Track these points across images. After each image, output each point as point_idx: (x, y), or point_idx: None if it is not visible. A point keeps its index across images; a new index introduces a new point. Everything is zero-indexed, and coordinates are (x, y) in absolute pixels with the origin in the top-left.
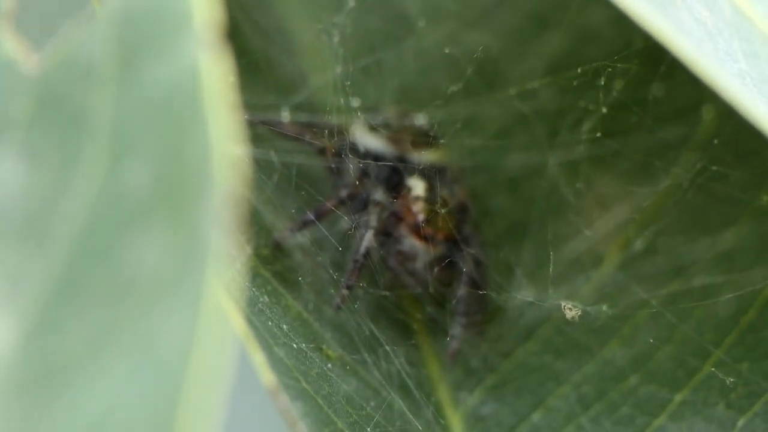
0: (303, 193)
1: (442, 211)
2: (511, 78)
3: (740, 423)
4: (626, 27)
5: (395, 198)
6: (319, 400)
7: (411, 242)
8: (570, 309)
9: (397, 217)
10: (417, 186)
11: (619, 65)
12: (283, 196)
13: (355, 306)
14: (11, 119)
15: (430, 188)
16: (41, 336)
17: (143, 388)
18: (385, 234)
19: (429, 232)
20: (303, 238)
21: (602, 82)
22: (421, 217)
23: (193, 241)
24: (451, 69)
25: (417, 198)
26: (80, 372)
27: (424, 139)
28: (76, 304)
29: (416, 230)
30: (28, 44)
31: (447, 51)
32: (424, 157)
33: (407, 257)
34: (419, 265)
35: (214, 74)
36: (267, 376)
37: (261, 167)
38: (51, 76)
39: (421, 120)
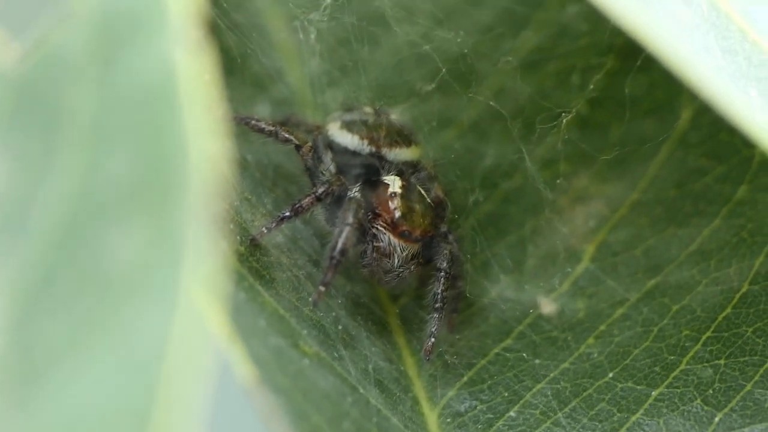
0: (279, 189)
1: (419, 207)
2: (486, 76)
3: (717, 418)
4: (601, 23)
5: (372, 195)
6: (297, 396)
7: (388, 238)
8: (547, 305)
9: (374, 214)
10: (394, 183)
11: (594, 61)
12: (259, 193)
13: (332, 302)
14: None
15: (407, 185)
16: (21, 328)
17: (120, 381)
18: (362, 231)
19: (406, 229)
20: (280, 235)
21: (578, 78)
22: (398, 213)
23: (170, 236)
24: (426, 67)
25: (394, 194)
26: (58, 365)
27: (400, 136)
28: (55, 297)
29: (393, 226)
30: (6, 39)
31: (422, 49)
32: (400, 154)
33: (384, 253)
34: (396, 261)
35: (192, 70)
36: (245, 370)
37: (238, 164)
38: (31, 73)
39: (396, 117)
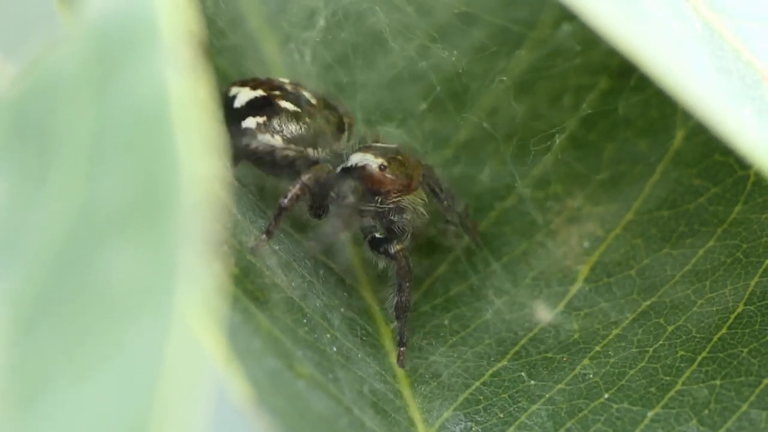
0: (271, 210)
1: (398, 157)
2: (479, 95)
3: None
4: (595, 42)
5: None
6: (292, 417)
7: (409, 203)
8: (543, 311)
9: (379, 195)
10: (365, 159)
11: (587, 80)
12: (253, 215)
13: (327, 324)
14: None
15: (373, 150)
16: (15, 348)
17: (115, 401)
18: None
19: (412, 181)
20: (274, 257)
21: (571, 98)
22: (398, 176)
23: (164, 257)
24: (421, 86)
25: (383, 166)
26: (54, 386)
27: (335, 121)
28: (50, 317)
29: (406, 189)
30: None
31: (417, 67)
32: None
33: (418, 216)
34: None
35: (184, 91)
36: (241, 391)
37: (232, 185)
38: (26, 95)
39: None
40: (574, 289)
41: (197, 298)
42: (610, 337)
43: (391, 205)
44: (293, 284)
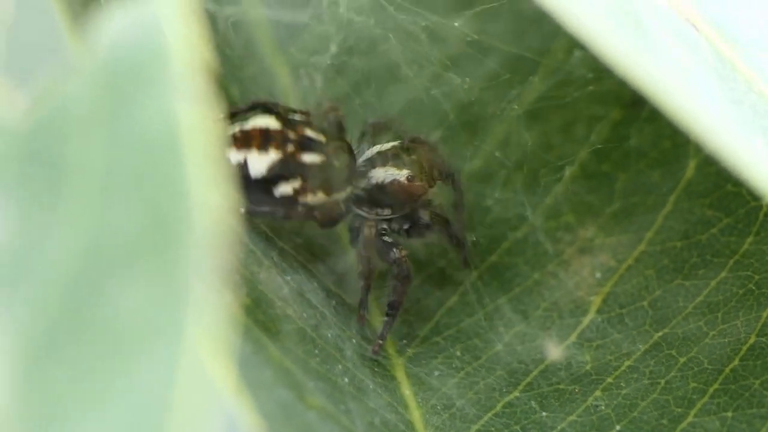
0: (284, 241)
1: (417, 158)
2: (492, 124)
3: None
4: (607, 72)
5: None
6: None
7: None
8: (553, 350)
9: (411, 208)
10: (389, 174)
11: (599, 110)
12: (265, 245)
13: (338, 354)
14: None
15: (391, 157)
16: (24, 382)
17: None
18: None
19: (437, 178)
20: (286, 288)
21: (583, 128)
22: (425, 182)
23: (174, 288)
24: (434, 114)
25: (411, 177)
26: (63, 420)
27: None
28: (59, 350)
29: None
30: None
31: (430, 94)
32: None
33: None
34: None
35: (195, 122)
36: (252, 422)
37: (243, 216)
38: (36, 127)
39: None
40: (586, 320)
41: (208, 329)
42: (622, 368)
43: (420, 206)
44: (305, 315)
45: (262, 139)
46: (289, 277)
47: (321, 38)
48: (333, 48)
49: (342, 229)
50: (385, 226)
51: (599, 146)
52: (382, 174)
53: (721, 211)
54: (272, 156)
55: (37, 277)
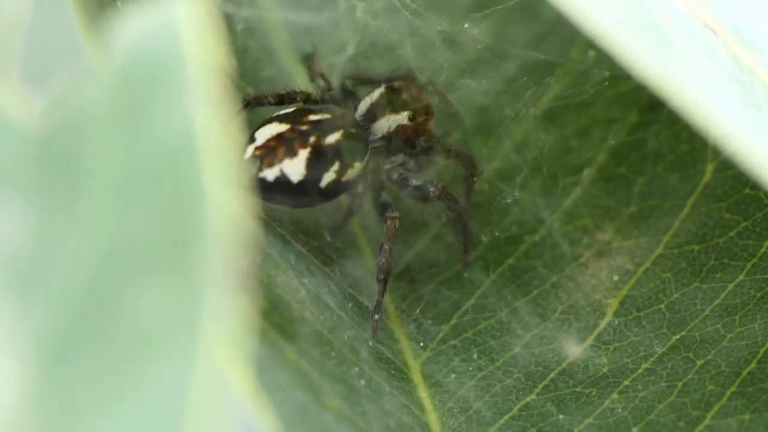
0: (301, 245)
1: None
2: (509, 127)
3: None
4: (624, 74)
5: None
6: None
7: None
8: (573, 348)
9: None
10: (390, 121)
11: (617, 113)
12: (281, 249)
13: (355, 357)
14: (14, 176)
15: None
16: (41, 384)
17: None
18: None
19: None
20: (303, 290)
21: (601, 131)
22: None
23: (190, 292)
24: (449, 117)
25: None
26: (79, 423)
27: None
28: (75, 353)
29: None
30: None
31: (445, 99)
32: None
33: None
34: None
35: (211, 127)
36: (269, 425)
37: (259, 220)
38: (54, 132)
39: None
40: (604, 322)
41: (224, 332)
42: (639, 371)
43: (428, 138)
44: (322, 317)
45: (283, 145)
46: (305, 280)
47: (337, 41)
48: (350, 50)
49: (358, 230)
50: (403, 172)
51: (617, 149)
52: (385, 124)
53: (739, 214)
54: (302, 154)
55: (55, 280)
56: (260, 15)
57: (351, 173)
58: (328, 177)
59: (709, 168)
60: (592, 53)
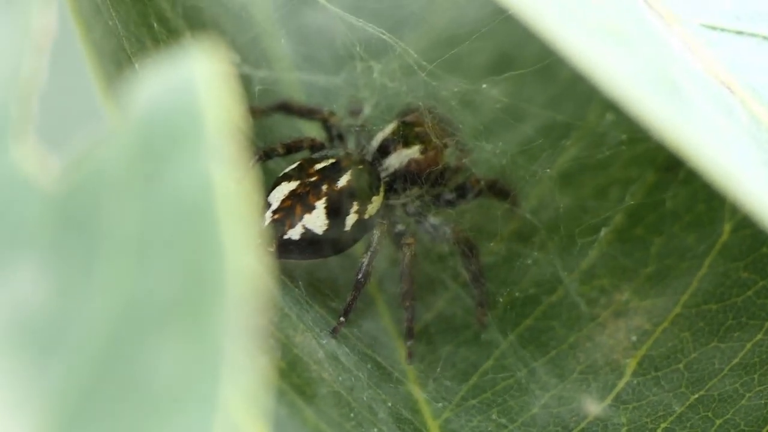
0: (318, 305)
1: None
2: (526, 188)
3: None
4: (641, 134)
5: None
6: None
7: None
8: (592, 405)
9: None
10: (402, 155)
11: (634, 173)
12: (299, 309)
13: (374, 417)
14: (32, 237)
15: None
16: None
17: None
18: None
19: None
20: (321, 351)
21: (618, 191)
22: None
23: (209, 351)
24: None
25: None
26: None
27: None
28: (94, 412)
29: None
30: (44, 154)
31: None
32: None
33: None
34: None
35: (229, 185)
36: None
37: (277, 279)
38: (72, 191)
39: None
40: (622, 382)
41: (243, 392)
42: (659, 430)
43: (444, 171)
44: (340, 378)
45: (298, 202)
46: (324, 341)
47: (354, 102)
48: (367, 111)
49: (375, 291)
50: (419, 206)
51: (634, 209)
52: (396, 159)
53: (757, 273)
54: (319, 205)
55: (72, 340)
56: (277, 76)
57: (372, 208)
58: (351, 219)
59: (726, 227)
60: (609, 116)
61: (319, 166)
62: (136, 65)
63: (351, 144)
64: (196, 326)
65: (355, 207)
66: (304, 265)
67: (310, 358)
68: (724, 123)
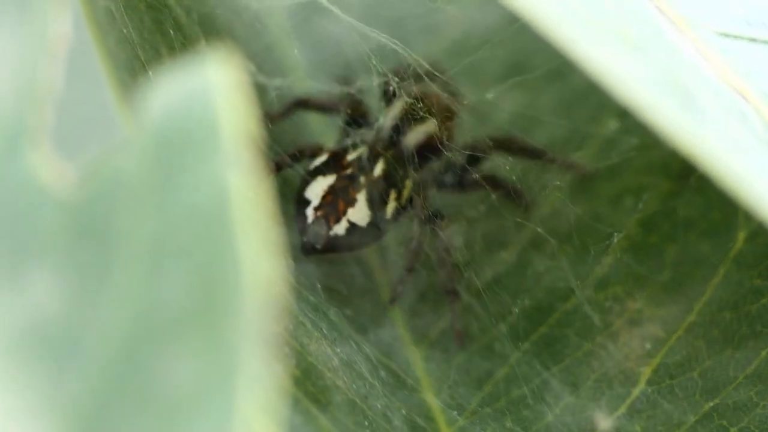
0: (333, 313)
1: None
2: (538, 197)
3: None
4: (654, 141)
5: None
6: None
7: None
8: (602, 420)
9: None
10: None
11: (647, 181)
12: (314, 317)
13: (388, 425)
14: (48, 245)
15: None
16: None
17: None
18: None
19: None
20: (335, 359)
21: (631, 200)
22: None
23: (225, 359)
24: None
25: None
26: None
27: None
28: (110, 420)
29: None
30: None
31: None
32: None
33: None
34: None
35: (245, 193)
36: None
37: (292, 287)
38: (88, 200)
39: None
40: (637, 391)
41: (258, 401)
42: None
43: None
44: (354, 386)
45: (340, 197)
46: (338, 349)
47: (368, 109)
48: (380, 119)
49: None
50: (440, 175)
51: (648, 217)
52: (414, 137)
53: None
54: (361, 198)
55: (88, 348)
56: (292, 84)
57: (407, 193)
58: (391, 207)
59: (741, 235)
60: (620, 123)
61: (350, 157)
62: (151, 73)
63: (366, 130)
64: (211, 335)
65: (393, 194)
66: (318, 272)
67: (325, 366)
68: (738, 130)
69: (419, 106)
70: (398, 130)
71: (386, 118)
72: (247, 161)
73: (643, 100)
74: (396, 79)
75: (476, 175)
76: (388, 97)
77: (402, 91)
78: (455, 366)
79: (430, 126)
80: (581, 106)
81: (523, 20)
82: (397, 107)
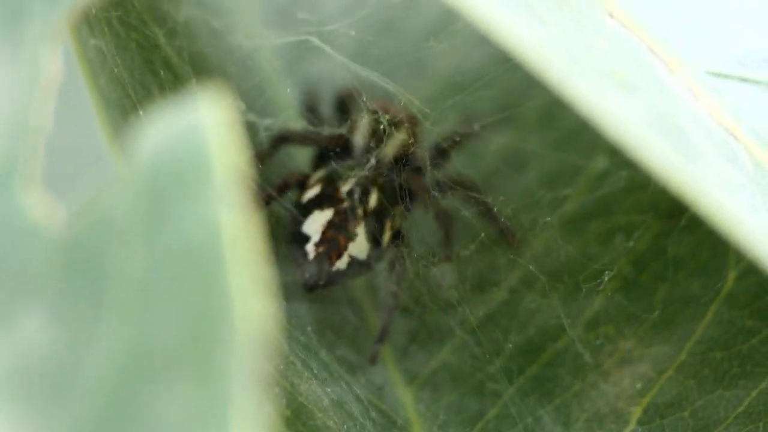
0: (323, 352)
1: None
2: (528, 237)
3: None
4: (644, 181)
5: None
6: None
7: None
8: None
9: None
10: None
11: (637, 220)
12: (304, 357)
13: None
14: (39, 282)
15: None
16: None
17: None
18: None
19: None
20: (326, 399)
21: (621, 239)
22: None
23: (215, 397)
24: (465, 230)
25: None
26: None
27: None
28: None
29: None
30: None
31: (459, 215)
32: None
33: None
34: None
35: (236, 230)
36: None
37: (282, 327)
38: (79, 237)
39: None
40: (627, 430)
41: None
42: None
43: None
44: (345, 426)
45: (340, 232)
46: (329, 389)
47: (359, 151)
48: (372, 161)
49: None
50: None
51: (638, 256)
52: (390, 150)
53: (762, 321)
54: (360, 231)
55: (78, 387)
56: (282, 124)
57: (398, 216)
58: (387, 235)
59: (732, 275)
60: (610, 161)
61: (344, 188)
62: (142, 112)
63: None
64: (202, 373)
65: (389, 222)
66: (309, 311)
67: (315, 406)
68: (729, 169)
69: (410, 141)
70: (393, 165)
71: (382, 154)
72: (238, 199)
73: (634, 139)
74: (387, 116)
75: (468, 212)
76: (379, 136)
77: (393, 128)
78: (444, 406)
79: (402, 138)
80: (570, 144)
81: (515, 60)
82: (391, 145)
